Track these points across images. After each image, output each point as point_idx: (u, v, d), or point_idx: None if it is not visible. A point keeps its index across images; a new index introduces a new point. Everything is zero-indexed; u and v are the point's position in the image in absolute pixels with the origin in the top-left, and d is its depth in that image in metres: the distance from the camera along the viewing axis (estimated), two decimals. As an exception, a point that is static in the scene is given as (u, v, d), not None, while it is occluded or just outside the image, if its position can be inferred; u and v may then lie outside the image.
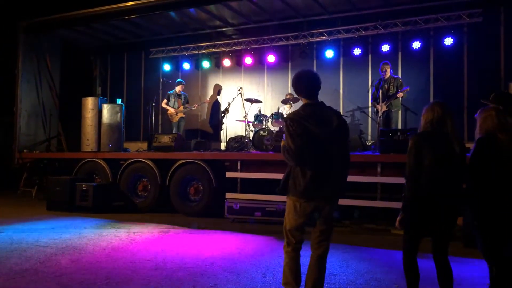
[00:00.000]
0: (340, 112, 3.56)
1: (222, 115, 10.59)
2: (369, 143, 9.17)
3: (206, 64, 11.53)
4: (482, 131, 3.24)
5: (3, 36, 12.62)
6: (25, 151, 10.74)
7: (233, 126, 10.89)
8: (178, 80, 10.92)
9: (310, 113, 3.35)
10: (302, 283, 3.49)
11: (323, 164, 3.30)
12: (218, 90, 11.76)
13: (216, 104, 11.73)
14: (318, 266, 3.40)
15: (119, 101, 10.63)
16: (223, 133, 10.93)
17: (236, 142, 9.47)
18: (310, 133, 3.27)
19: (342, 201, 7.13)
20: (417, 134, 3.39)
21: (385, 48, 9.60)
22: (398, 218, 3.35)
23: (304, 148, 3.27)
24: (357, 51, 9.89)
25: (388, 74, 8.86)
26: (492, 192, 3.10)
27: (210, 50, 11.52)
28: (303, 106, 3.47)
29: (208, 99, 11.57)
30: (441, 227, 3.27)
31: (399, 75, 9.53)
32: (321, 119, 3.33)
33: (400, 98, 8.81)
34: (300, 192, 3.33)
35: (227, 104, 9.92)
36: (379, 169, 7.01)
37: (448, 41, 9.02)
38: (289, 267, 3.47)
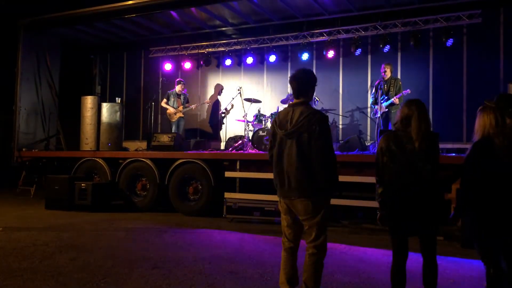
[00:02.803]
0: (311, 110, 3.42)
1: (223, 115, 10.62)
2: (368, 143, 9.19)
3: (206, 63, 11.53)
4: (479, 132, 3.22)
5: (3, 34, 12.61)
6: (24, 149, 10.72)
7: (233, 126, 10.90)
8: (178, 79, 10.93)
9: (282, 114, 3.55)
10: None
11: (284, 163, 3.44)
12: (219, 90, 11.76)
13: (217, 103, 11.73)
14: (311, 262, 3.40)
15: (118, 100, 10.63)
16: (222, 133, 10.94)
17: (235, 141, 9.48)
18: (275, 133, 3.53)
19: (341, 201, 7.23)
20: (385, 134, 3.50)
21: (385, 48, 9.60)
22: (378, 217, 3.48)
23: (272, 147, 3.57)
24: (356, 52, 9.89)
25: (389, 74, 8.84)
26: (487, 196, 3.09)
27: (210, 49, 11.53)
28: (286, 107, 3.71)
29: (208, 99, 11.56)
30: (419, 224, 3.28)
31: (399, 75, 9.54)
32: (287, 119, 3.45)
33: (401, 98, 8.79)
34: (276, 190, 3.57)
35: (230, 106, 9.99)
36: (378, 170, 6.99)
37: (448, 42, 9.03)
38: (282, 267, 3.53)
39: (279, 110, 3.68)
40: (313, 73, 3.62)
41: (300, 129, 3.35)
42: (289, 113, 3.47)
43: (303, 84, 3.52)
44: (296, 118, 3.39)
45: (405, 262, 3.36)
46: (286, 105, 9.37)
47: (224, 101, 11.23)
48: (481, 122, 3.19)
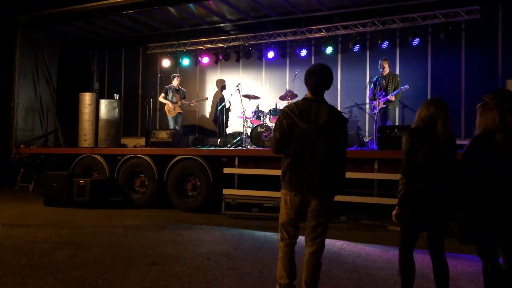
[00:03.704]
0: (337, 110, 3.55)
1: (223, 111, 10.60)
2: (367, 140, 9.19)
3: (204, 59, 11.52)
4: (481, 128, 3.21)
5: (0, 31, 12.56)
6: (22, 146, 10.70)
7: (231, 122, 10.90)
8: (174, 74, 10.83)
9: (303, 107, 3.41)
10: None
11: (306, 158, 3.35)
12: (222, 86, 11.71)
13: (215, 100, 11.70)
14: (311, 262, 3.40)
15: (116, 96, 10.61)
16: (221, 129, 10.93)
17: (234, 138, 9.48)
18: (296, 127, 3.36)
19: (339, 197, 7.22)
20: (410, 129, 3.44)
21: (383, 44, 9.60)
22: (394, 213, 3.40)
23: (289, 141, 3.39)
24: (355, 48, 9.89)
25: (387, 70, 8.85)
26: (486, 193, 3.09)
27: (209, 45, 11.50)
28: (301, 100, 3.53)
29: (207, 96, 11.49)
30: (436, 222, 3.29)
31: (397, 71, 9.55)
32: (310, 114, 3.37)
33: (398, 94, 8.79)
34: (287, 185, 3.43)
35: (228, 103, 10.02)
36: (376, 166, 7.02)
37: (446, 38, 9.02)
38: (282, 262, 3.50)
39: (296, 102, 3.53)
40: (330, 69, 3.53)
41: (332, 127, 3.35)
42: (312, 108, 3.38)
43: (323, 82, 3.46)
44: (327, 116, 3.35)
45: (412, 255, 3.37)
46: (285, 101, 9.43)
47: (224, 97, 11.21)
48: (484, 118, 3.17)
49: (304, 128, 3.34)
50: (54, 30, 11.85)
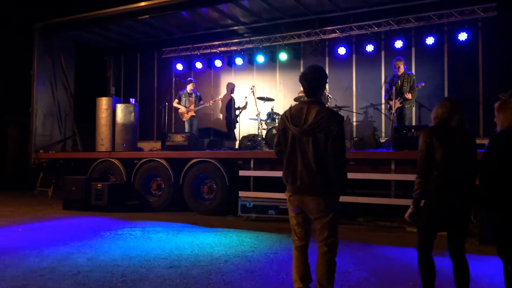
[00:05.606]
0: (327, 109, 3.48)
1: (238, 112, 10.64)
2: (383, 140, 9.12)
3: (218, 63, 11.58)
4: (504, 126, 3.14)
5: (18, 37, 12.80)
6: (41, 151, 10.89)
7: (246, 125, 10.92)
8: (189, 79, 10.94)
9: (294, 111, 3.51)
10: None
11: (297, 160, 3.41)
12: (231, 88, 11.77)
13: (230, 102, 11.75)
14: (322, 262, 3.38)
15: (132, 101, 10.72)
16: (236, 132, 10.96)
17: (249, 140, 9.50)
18: (288, 130, 3.48)
19: (356, 199, 7.20)
20: (426, 129, 3.43)
21: (398, 44, 9.53)
22: (409, 211, 3.42)
23: (282, 144, 3.54)
24: (369, 48, 9.83)
25: (401, 70, 8.79)
26: (501, 190, 3.04)
27: (222, 49, 11.56)
28: (297, 103, 3.65)
29: (220, 97, 11.54)
30: (455, 221, 3.25)
31: (413, 71, 9.46)
32: (300, 116, 3.43)
33: (415, 92, 8.71)
34: (286, 187, 3.53)
35: (245, 103, 10.06)
36: (393, 166, 6.97)
37: (462, 36, 8.93)
38: (294, 265, 3.54)
39: (291, 106, 3.61)
40: (323, 70, 3.57)
41: (318, 128, 3.34)
42: (303, 110, 3.43)
43: (314, 83, 3.50)
44: (314, 117, 3.36)
45: (431, 255, 3.35)
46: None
47: (238, 99, 11.25)
48: (507, 116, 3.11)
49: (294, 131, 3.42)
50: (70, 36, 12.05)
